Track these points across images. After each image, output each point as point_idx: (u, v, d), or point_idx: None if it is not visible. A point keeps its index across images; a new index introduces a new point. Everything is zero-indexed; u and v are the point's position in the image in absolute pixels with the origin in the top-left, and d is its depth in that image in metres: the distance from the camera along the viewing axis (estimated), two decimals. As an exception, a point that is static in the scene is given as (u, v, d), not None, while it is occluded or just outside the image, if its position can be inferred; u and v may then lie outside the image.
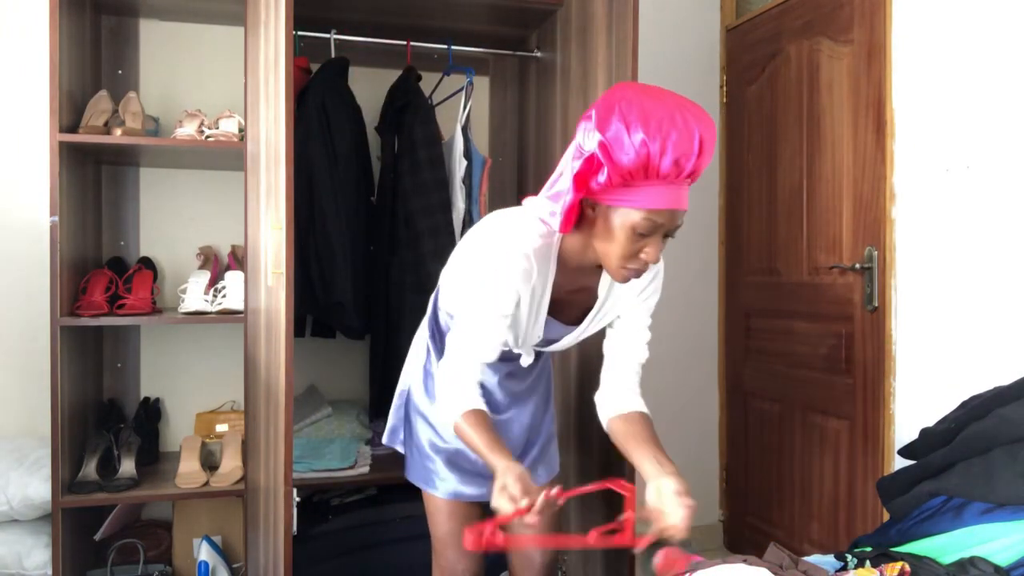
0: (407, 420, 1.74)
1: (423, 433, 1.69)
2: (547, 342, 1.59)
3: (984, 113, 1.96)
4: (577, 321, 1.55)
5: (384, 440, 1.80)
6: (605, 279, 1.53)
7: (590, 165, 1.28)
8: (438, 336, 1.66)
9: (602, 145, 1.25)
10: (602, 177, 1.28)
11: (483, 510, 1.56)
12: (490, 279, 1.41)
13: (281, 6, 1.68)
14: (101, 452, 2.27)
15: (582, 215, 1.38)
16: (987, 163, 1.95)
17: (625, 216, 1.31)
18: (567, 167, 1.36)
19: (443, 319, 1.65)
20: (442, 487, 1.65)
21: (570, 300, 1.52)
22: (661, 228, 1.32)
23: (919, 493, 1.58)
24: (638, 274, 1.38)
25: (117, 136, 2.15)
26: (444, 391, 1.44)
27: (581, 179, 1.31)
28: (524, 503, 1.22)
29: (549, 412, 1.81)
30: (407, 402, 1.74)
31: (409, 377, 1.75)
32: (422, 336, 1.74)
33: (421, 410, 1.69)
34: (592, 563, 2.18)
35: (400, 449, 1.76)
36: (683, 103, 1.28)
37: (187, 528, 2.46)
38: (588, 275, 1.51)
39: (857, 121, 2.35)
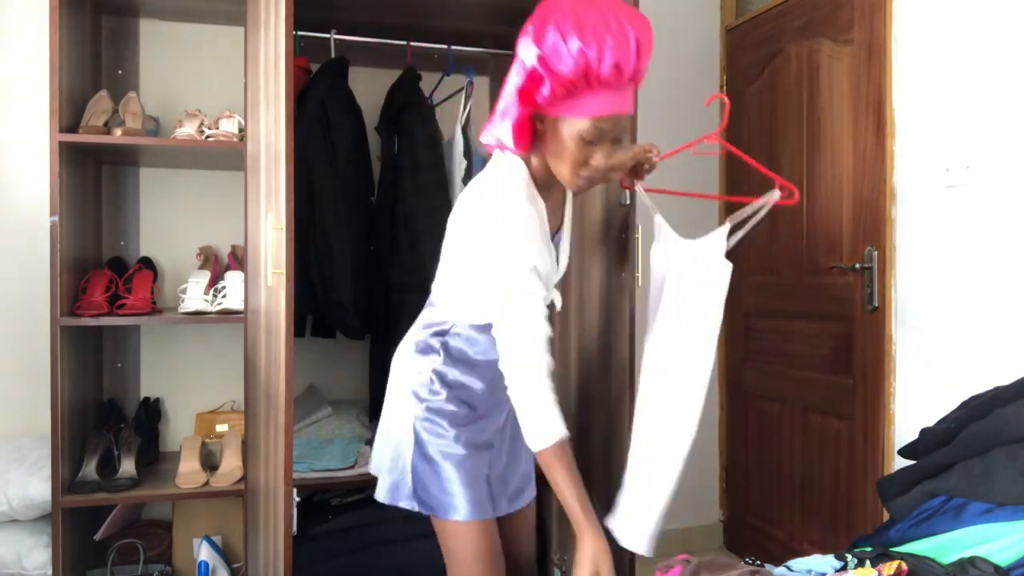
0: (417, 463, 1.55)
1: (441, 458, 1.53)
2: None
3: (984, 113, 1.96)
4: (560, 225, 1.62)
5: (386, 500, 1.59)
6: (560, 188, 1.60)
7: (532, 79, 1.34)
8: (441, 339, 1.59)
9: (540, 58, 1.30)
10: (545, 90, 1.33)
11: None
12: (512, 239, 1.39)
13: (281, 6, 1.68)
14: (101, 452, 2.27)
15: (534, 133, 1.44)
16: (987, 163, 1.95)
17: (572, 125, 1.37)
18: (511, 84, 1.40)
19: (444, 317, 1.59)
20: (477, 509, 1.52)
21: (554, 212, 1.58)
22: (608, 134, 1.38)
23: (919, 493, 1.58)
24: (590, 181, 1.45)
25: (117, 136, 2.15)
26: (528, 402, 1.36)
27: (525, 94, 1.37)
28: None
29: None
30: (414, 441, 1.55)
31: (397, 418, 1.59)
32: (407, 361, 1.60)
33: (427, 432, 1.54)
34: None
35: (405, 504, 1.57)
36: (617, 6, 1.33)
37: (187, 528, 2.46)
38: (556, 193, 1.58)
39: (857, 121, 2.35)
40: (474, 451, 1.55)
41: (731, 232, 1.76)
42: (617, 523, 1.71)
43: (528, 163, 1.50)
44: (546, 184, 1.52)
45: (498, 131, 1.46)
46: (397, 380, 1.63)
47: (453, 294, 1.57)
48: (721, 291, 1.70)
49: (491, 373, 1.53)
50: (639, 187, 1.82)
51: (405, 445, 1.56)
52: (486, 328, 1.51)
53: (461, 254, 1.53)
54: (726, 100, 1.88)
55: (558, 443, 1.35)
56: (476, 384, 1.56)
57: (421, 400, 1.55)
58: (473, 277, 1.50)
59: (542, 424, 1.35)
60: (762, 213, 1.79)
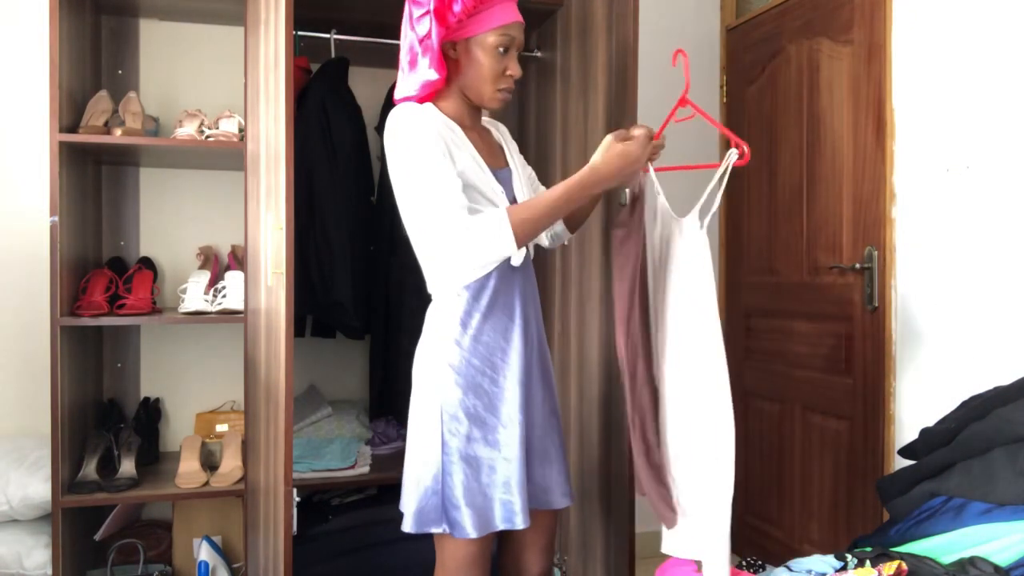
0: (447, 480, 1.53)
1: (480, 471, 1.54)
2: (512, 200, 1.63)
3: (984, 113, 1.96)
4: (504, 164, 1.68)
5: (412, 529, 1.56)
6: (493, 131, 1.73)
7: (442, 2, 1.49)
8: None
9: None
10: (457, 6, 1.49)
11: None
12: (417, 146, 1.48)
13: (281, 6, 1.68)
14: (101, 452, 2.27)
15: (448, 65, 1.56)
16: (987, 163, 1.95)
17: (484, 41, 1.53)
18: (410, 33, 1.54)
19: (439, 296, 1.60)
20: (469, 527, 1.52)
21: (489, 152, 1.65)
22: (515, 42, 1.56)
23: (919, 493, 1.59)
24: (510, 92, 1.59)
25: (117, 136, 2.15)
26: (478, 236, 1.45)
27: (440, 14, 1.50)
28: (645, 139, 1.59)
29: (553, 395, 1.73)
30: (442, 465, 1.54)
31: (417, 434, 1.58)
32: (416, 369, 1.61)
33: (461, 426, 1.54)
34: (592, 564, 2.18)
35: (436, 529, 1.54)
36: None
37: (187, 528, 2.46)
38: (482, 130, 1.68)
39: (857, 121, 2.35)
40: (469, 464, 1.53)
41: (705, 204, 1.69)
42: (681, 538, 1.61)
43: (440, 105, 1.58)
44: (463, 120, 1.60)
45: (415, 79, 1.55)
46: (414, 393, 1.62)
47: (428, 260, 1.58)
48: (704, 259, 1.62)
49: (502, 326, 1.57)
50: (650, 168, 1.77)
51: (432, 457, 1.54)
52: (481, 290, 1.55)
53: (404, 205, 1.56)
54: (684, 55, 1.86)
55: (508, 222, 1.45)
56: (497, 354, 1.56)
57: (441, 400, 1.55)
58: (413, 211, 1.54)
59: (493, 238, 1.45)
60: (724, 179, 1.68)
